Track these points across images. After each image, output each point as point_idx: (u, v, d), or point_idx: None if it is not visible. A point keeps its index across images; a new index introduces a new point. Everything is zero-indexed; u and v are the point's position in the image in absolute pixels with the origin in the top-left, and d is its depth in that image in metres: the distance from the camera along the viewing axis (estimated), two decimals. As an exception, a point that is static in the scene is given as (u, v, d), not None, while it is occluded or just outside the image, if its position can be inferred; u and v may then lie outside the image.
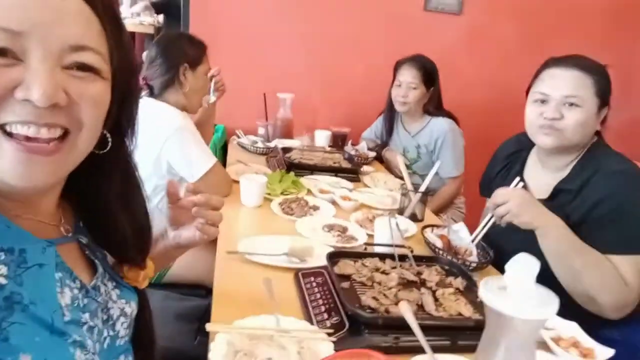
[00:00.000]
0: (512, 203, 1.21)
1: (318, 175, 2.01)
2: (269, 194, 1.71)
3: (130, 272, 0.72)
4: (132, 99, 0.67)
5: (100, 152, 0.63)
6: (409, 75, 2.24)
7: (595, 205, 1.22)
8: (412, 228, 1.55)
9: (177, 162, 1.62)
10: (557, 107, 1.27)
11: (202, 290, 1.61)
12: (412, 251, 1.25)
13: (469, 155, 2.52)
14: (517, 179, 1.31)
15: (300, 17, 2.69)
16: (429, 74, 2.25)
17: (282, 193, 1.74)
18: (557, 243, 1.19)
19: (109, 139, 0.64)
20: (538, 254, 1.26)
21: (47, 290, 0.56)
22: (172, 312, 1.34)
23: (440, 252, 1.33)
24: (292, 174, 1.85)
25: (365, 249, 1.26)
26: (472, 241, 1.37)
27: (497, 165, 1.60)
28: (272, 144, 2.41)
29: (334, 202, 1.71)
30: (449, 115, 2.33)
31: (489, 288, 0.59)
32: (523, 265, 0.58)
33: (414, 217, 1.66)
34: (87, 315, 0.61)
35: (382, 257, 1.21)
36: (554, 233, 1.19)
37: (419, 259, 1.23)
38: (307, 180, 1.92)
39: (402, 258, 1.21)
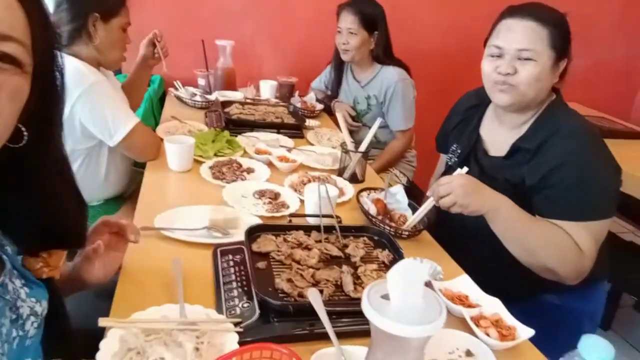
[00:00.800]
0: (456, 194, 1.12)
1: (258, 132, 1.90)
2: (200, 155, 1.60)
3: (52, 258, 0.71)
4: (55, 92, 0.64)
5: (14, 145, 0.59)
6: (347, 21, 2.10)
7: (552, 171, 1.17)
8: (349, 191, 1.49)
9: (91, 124, 1.47)
10: (510, 62, 1.20)
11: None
12: (340, 221, 1.19)
13: (421, 107, 2.44)
14: (465, 169, 1.23)
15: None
16: (369, 18, 2.10)
17: (215, 154, 1.63)
18: (507, 224, 1.15)
19: (25, 133, 0.60)
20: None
21: None
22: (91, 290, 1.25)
23: (373, 219, 1.27)
24: (226, 132, 1.73)
25: (290, 221, 1.18)
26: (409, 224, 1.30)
27: (454, 118, 1.54)
28: (212, 97, 2.25)
29: (270, 164, 1.61)
30: (399, 64, 2.22)
31: (371, 298, 0.52)
32: (409, 273, 0.51)
33: (354, 178, 1.59)
34: None
35: (308, 229, 1.14)
36: (503, 215, 1.14)
37: (347, 230, 1.17)
38: (245, 139, 1.81)
39: (330, 229, 1.15)
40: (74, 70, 1.46)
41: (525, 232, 1.15)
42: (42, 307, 0.68)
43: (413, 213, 1.35)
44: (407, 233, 1.24)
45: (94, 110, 1.44)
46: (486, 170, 1.34)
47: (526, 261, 1.17)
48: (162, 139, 1.60)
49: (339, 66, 2.32)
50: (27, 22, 0.55)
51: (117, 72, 2.43)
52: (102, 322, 0.81)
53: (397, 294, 0.50)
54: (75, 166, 1.57)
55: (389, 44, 2.20)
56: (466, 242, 1.29)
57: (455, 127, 1.51)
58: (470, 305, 0.98)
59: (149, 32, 2.32)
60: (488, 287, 1.05)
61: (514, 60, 1.19)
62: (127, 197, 1.78)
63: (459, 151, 1.45)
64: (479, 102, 1.44)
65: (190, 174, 1.51)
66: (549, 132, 1.22)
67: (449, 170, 1.48)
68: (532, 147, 1.24)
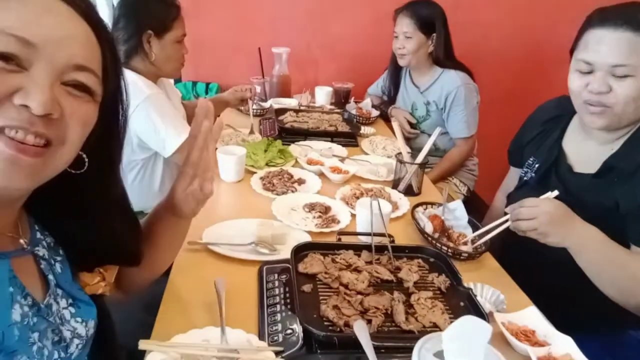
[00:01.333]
0: (540, 221, 1.01)
1: (312, 141, 1.85)
2: (252, 165, 1.58)
3: (87, 277, 0.72)
4: (117, 126, 0.68)
5: (75, 171, 0.64)
6: (403, 24, 2.00)
7: None
8: (404, 205, 1.40)
9: (146, 136, 1.49)
10: (604, 79, 1.05)
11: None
12: (392, 241, 1.12)
13: (484, 112, 2.29)
14: (555, 192, 1.10)
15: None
16: (425, 20, 1.99)
17: (267, 164, 1.60)
18: (597, 261, 1.02)
19: (86, 160, 0.64)
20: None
21: (1, 304, 0.56)
22: (139, 301, 1.26)
23: (429, 237, 1.18)
24: (278, 142, 1.70)
25: (339, 239, 1.12)
26: (472, 241, 1.20)
27: (531, 130, 1.39)
28: (267, 104, 2.24)
29: (322, 175, 1.56)
30: (461, 67, 2.09)
31: (423, 357, 0.45)
32: (468, 334, 0.43)
33: (409, 191, 1.51)
34: (36, 335, 0.60)
35: (358, 248, 1.08)
36: (592, 250, 1.02)
37: (400, 250, 1.09)
38: (298, 148, 1.77)
39: (382, 249, 1.08)
40: (131, 83, 1.47)
41: (619, 270, 1.00)
42: (87, 328, 0.69)
43: (473, 230, 1.25)
44: (466, 255, 1.14)
45: (149, 122, 1.46)
46: (571, 189, 1.19)
47: (620, 300, 1.02)
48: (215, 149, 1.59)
49: (396, 72, 2.23)
50: (101, 57, 0.62)
51: (177, 80, 2.49)
52: (142, 344, 0.79)
53: (454, 357, 0.43)
54: (131, 176, 1.60)
55: (450, 46, 2.08)
56: (537, 268, 1.17)
57: (533, 139, 1.36)
58: (537, 343, 0.87)
59: (206, 39, 2.37)
60: (561, 317, 0.94)
61: (607, 77, 1.04)
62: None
63: (536, 165, 1.30)
64: (561, 112, 1.29)
65: (241, 184, 1.49)
66: None
67: (524, 185, 1.35)
68: (630, 168, 1.08)
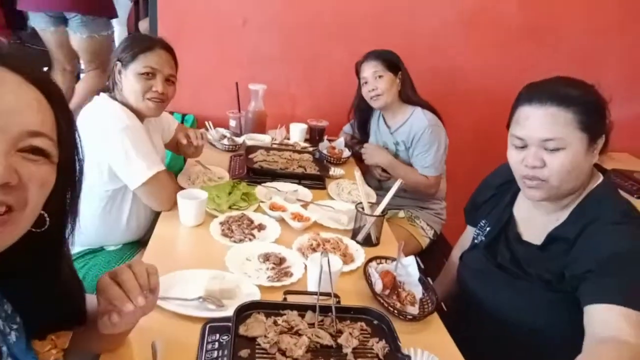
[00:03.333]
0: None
1: (279, 182, 1.87)
2: (214, 208, 1.59)
3: (60, 339, 0.75)
4: (75, 181, 0.70)
5: (36, 230, 0.65)
6: (370, 67, 2.07)
7: (601, 261, 1.02)
8: (360, 257, 1.42)
9: (118, 165, 1.51)
10: (537, 153, 1.08)
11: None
12: (338, 301, 1.12)
13: (454, 156, 2.34)
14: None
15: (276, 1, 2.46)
16: (389, 61, 2.07)
17: (230, 207, 1.61)
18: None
19: (47, 219, 0.66)
20: (520, 307, 1.15)
21: None
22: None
23: (378, 297, 1.20)
24: (243, 185, 1.71)
25: (285, 299, 1.13)
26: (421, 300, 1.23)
27: (486, 192, 1.43)
28: (240, 140, 2.26)
29: (283, 220, 1.57)
30: (429, 107, 2.13)
31: None
32: None
33: (368, 241, 1.52)
34: None
35: (303, 308, 1.09)
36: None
37: (345, 311, 1.10)
38: (264, 190, 1.79)
39: (328, 309, 1.09)
40: (112, 112, 1.54)
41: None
42: None
43: (424, 290, 1.27)
44: (411, 317, 1.15)
45: (121, 152, 1.47)
46: (518, 258, 1.22)
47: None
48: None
49: (364, 118, 2.31)
50: (55, 120, 0.63)
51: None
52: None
53: None
54: (99, 208, 1.60)
55: (411, 82, 2.15)
56: (481, 319, 1.21)
57: (487, 201, 1.40)
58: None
59: (184, 71, 2.39)
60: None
61: (540, 151, 1.08)
62: (143, 242, 1.80)
63: (487, 228, 1.34)
64: (511, 177, 1.30)
65: (200, 228, 1.50)
66: (589, 219, 1.09)
67: (474, 248, 1.38)
68: (571, 236, 1.11)
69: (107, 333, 0.82)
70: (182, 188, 1.64)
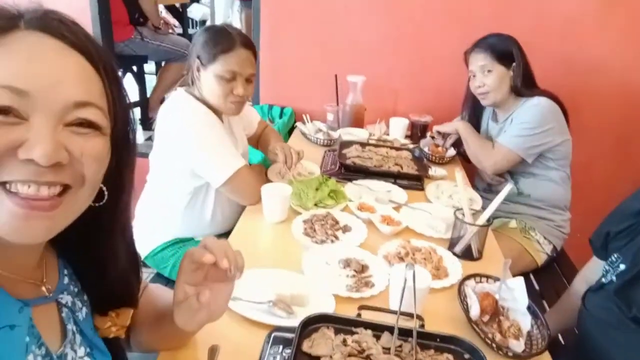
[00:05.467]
0: None
1: (372, 180, 1.73)
2: (298, 205, 1.50)
3: (119, 317, 0.72)
4: (130, 153, 0.67)
5: (96, 204, 0.62)
6: (478, 60, 1.82)
7: None
8: (456, 272, 1.22)
9: (198, 166, 1.48)
10: None
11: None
12: (422, 325, 0.95)
13: (584, 159, 2.00)
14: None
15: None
16: (502, 51, 1.79)
17: (315, 204, 1.51)
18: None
19: (106, 192, 0.63)
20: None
21: (16, 354, 0.55)
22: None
23: (473, 324, 1.00)
24: (332, 181, 1.60)
25: (359, 315, 0.98)
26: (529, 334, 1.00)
27: (621, 220, 1.14)
28: (336, 134, 2.15)
29: (370, 223, 1.43)
30: (547, 94, 1.82)
31: None
32: None
33: (467, 254, 1.32)
34: None
35: (380, 328, 0.93)
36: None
37: (430, 338, 0.93)
38: (356, 187, 1.66)
39: (409, 333, 0.92)
40: (191, 110, 1.50)
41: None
42: None
43: (534, 321, 1.04)
44: (512, 354, 0.94)
45: (201, 152, 1.45)
46: None
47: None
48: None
49: (475, 114, 2.04)
50: (103, 88, 0.59)
51: (254, 102, 2.51)
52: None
53: None
54: (183, 203, 1.60)
55: (531, 73, 1.84)
56: None
57: (622, 231, 1.11)
58: None
59: (284, 64, 2.35)
60: None
61: None
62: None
63: (621, 266, 1.06)
64: None
65: (282, 225, 1.42)
66: None
67: (601, 289, 1.10)
68: None
69: (183, 324, 0.75)
70: (269, 182, 1.57)
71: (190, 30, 4.17)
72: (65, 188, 0.55)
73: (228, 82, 1.47)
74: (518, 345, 0.97)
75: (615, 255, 1.07)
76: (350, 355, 0.86)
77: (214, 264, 0.71)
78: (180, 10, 3.78)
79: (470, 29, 2.08)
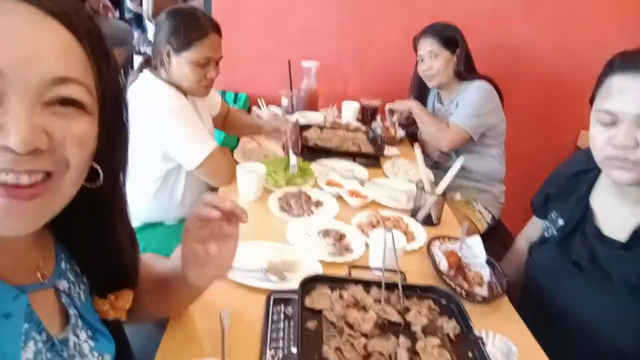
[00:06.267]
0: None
1: (333, 160, 1.84)
2: (272, 184, 1.58)
3: (119, 301, 0.71)
4: (123, 132, 0.63)
5: (91, 185, 0.59)
6: (426, 45, 1.99)
7: None
8: (421, 236, 1.37)
9: (171, 148, 1.51)
10: (629, 132, 0.95)
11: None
12: (404, 278, 1.09)
13: (514, 137, 2.24)
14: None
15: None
16: (447, 38, 1.98)
17: (287, 183, 1.60)
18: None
19: (101, 173, 0.60)
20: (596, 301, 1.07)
21: (11, 343, 0.52)
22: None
23: (443, 276, 1.15)
24: (299, 159, 1.69)
25: (349, 273, 1.10)
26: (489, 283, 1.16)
27: (558, 181, 1.31)
28: (293, 117, 2.24)
29: (340, 197, 1.54)
30: (485, 78, 2.03)
31: None
32: None
33: (428, 221, 1.47)
34: None
35: (368, 284, 1.05)
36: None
37: (411, 289, 1.06)
38: (319, 167, 1.76)
39: (393, 286, 1.05)
40: (159, 92, 1.51)
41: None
42: None
43: (492, 271, 1.21)
44: (480, 298, 1.10)
45: (174, 135, 1.47)
46: (598, 258, 1.10)
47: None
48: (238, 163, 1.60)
49: (421, 98, 2.22)
50: (88, 60, 0.53)
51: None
52: (142, 373, 0.80)
53: None
54: (154, 187, 1.62)
55: (471, 59, 2.05)
56: (555, 320, 1.12)
57: (559, 192, 1.28)
58: None
59: (237, 49, 2.37)
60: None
61: (633, 130, 0.95)
62: (201, 217, 1.82)
63: (560, 222, 1.22)
64: (590, 166, 1.16)
65: (258, 203, 1.49)
66: None
67: (545, 243, 1.28)
68: None
69: (195, 280, 0.78)
70: (237, 163, 1.63)
71: (128, 15, 4.01)
72: (48, 175, 0.51)
73: (202, 68, 1.51)
74: (482, 291, 1.13)
75: (554, 213, 1.27)
76: (347, 306, 0.97)
77: (219, 219, 0.74)
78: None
79: (413, 18, 2.25)
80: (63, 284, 0.64)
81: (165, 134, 1.48)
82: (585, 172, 1.21)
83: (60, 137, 0.50)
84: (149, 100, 1.49)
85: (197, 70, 1.51)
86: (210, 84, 1.58)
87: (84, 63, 0.52)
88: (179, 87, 1.55)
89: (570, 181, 1.25)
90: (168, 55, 1.51)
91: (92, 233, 0.66)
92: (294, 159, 1.60)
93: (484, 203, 2.12)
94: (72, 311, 0.63)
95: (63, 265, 0.65)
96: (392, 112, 2.18)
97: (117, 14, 3.66)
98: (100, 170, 0.59)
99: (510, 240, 1.73)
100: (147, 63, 1.63)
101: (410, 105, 2.10)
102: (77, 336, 0.63)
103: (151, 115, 1.48)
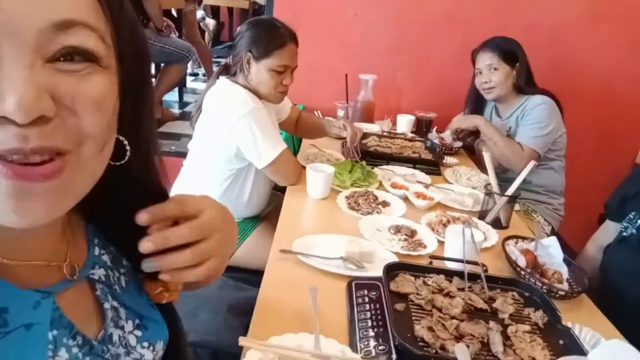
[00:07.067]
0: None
1: (394, 166, 1.87)
2: (338, 185, 1.61)
3: (149, 287, 0.59)
4: (148, 90, 0.52)
5: (116, 163, 0.49)
6: (486, 59, 2.01)
7: None
8: (492, 237, 1.37)
9: (245, 147, 1.57)
10: None
11: (261, 277, 1.57)
12: (486, 270, 1.09)
13: (574, 153, 2.21)
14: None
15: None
16: (507, 52, 1.98)
17: (352, 184, 1.63)
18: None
19: (127, 147, 0.49)
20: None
21: (36, 356, 0.44)
22: (225, 303, 1.31)
23: (522, 272, 1.14)
24: (363, 163, 1.73)
25: (431, 263, 1.11)
26: (568, 281, 1.15)
27: (637, 185, 1.35)
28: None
29: (406, 199, 1.56)
30: (547, 93, 2.03)
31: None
32: (615, 356, 0.41)
33: (497, 223, 1.47)
34: None
35: (450, 274, 1.06)
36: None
37: (493, 280, 1.06)
38: (381, 172, 1.79)
39: (474, 277, 1.06)
40: (237, 95, 1.60)
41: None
42: (155, 351, 0.57)
43: (569, 270, 1.19)
44: (562, 293, 1.08)
45: (250, 133, 1.54)
46: None
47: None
48: (303, 166, 1.65)
49: (479, 105, 2.22)
50: (96, 2, 0.41)
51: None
52: (242, 341, 0.82)
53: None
54: (223, 187, 1.69)
55: (531, 74, 2.04)
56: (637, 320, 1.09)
57: (637, 193, 1.31)
58: None
59: (298, 62, 2.46)
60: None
61: None
62: (263, 217, 1.86)
63: (639, 221, 1.25)
64: None
65: (327, 201, 1.53)
66: None
67: (623, 242, 1.28)
68: None
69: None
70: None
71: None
72: (58, 155, 0.40)
73: (280, 75, 1.60)
74: (563, 287, 1.12)
75: (633, 213, 1.26)
76: (433, 292, 0.98)
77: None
78: (176, 15, 3.84)
79: (469, 34, 2.28)
80: (98, 273, 0.54)
81: (241, 132, 1.54)
82: None
83: (69, 99, 0.39)
84: (228, 102, 1.58)
85: (275, 77, 1.59)
86: (286, 91, 1.66)
87: (93, 5, 0.41)
88: (255, 92, 1.63)
89: None
90: (248, 62, 1.60)
91: (123, 214, 0.53)
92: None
93: (543, 214, 2.08)
94: (107, 305, 0.53)
95: (96, 251, 0.55)
96: (458, 132, 2.15)
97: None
98: (126, 144, 0.49)
99: (569, 252, 1.69)
100: (225, 70, 1.72)
101: (477, 122, 2.06)
102: (122, 328, 0.54)
103: (229, 116, 1.55)
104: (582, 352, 0.83)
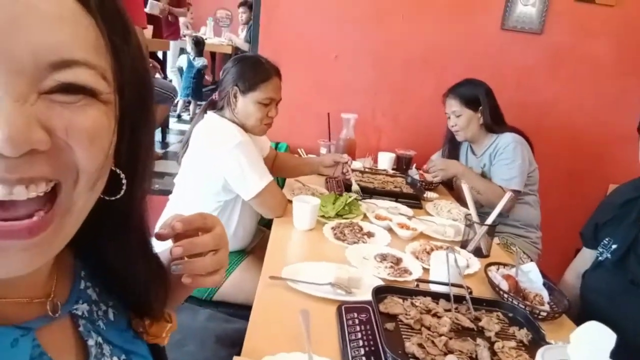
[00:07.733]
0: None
1: (377, 200, 1.92)
2: (322, 216, 1.65)
3: (153, 328, 0.59)
4: (148, 125, 0.49)
5: (109, 198, 0.46)
6: (450, 106, 2.15)
7: None
8: (474, 264, 1.41)
9: (233, 179, 1.61)
10: None
11: (249, 311, 1.57)
12: (470, 292, 1.12)
13: (546, 189, 2.31)
14: None
15: (369, 35, 2.61)
16: (469, 98, 2.12)
17: (337, 215, 1.67)
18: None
19: (123, 180, 0.47)
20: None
21: None
22: (213, 334, 1.30)
23: (505, 295, 1.18)
24: (347, 195, 1.77)
25: (417, 285, 1.14)
26: (549, 303, 1.20)
27: (607, 213, 1.41)
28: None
29: (390, 230, 1.60)
30: (516, 131, 2.15)
31: (549, 362, 0.47)
32: (594, 338, 0.45)
33: (478, 252, 1.51)
34: None
35: (436, 296, 1.09)
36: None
37: (478, 302, 1.10)
38: (365, 204, 1.84)
39: (459, 300, 1.09)
40: (225, 128, 1.64)
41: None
42: None
43: (550, 294, 1.24)
44: (544, 313, 1.12)
45: (236, 165, 1.57)
46: None
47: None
48: (289, 200, 1.69)
49: (454, 148, 2.35)
50: (98, 34, 0.40)
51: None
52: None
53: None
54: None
55: (500, 113, 2.16)
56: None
57: (609, 221, 1.38)
58: None
59: (281, 102, 2.54)
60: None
61: None
62: (249, 251, 1.87)
63: (613, 246, 1.31)
64: (638, 194, 1.31)
65: (313, 232, 1.56)
66: None
67: (599, 266, 1.34)
68: None
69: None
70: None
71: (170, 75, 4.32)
72: (50, 185, 0.38)
73: (265, 107, 1.66)
74: (545, 309, 1.15)
75: (607, 239, 1.32)
76: (421, 312, 1.01)
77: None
78: (162, 57, 3.95)
79: (442, 75, 2.43)
80: (82, 308, 0.51)
81: (229, 164, 1.58)
82: (635, 199, 1.30)
83: (63, 131, 0.37)
84: (216, 135, 1.62)
85: (261, 109, 1.66)
86: (271, 123, 1.72)
87: (94, 35, 0.39)
88: (242, 126, 1.68)
89: (621, 209, 1.33)
90: (235, 96, 1.66)
91: (107, 251, 0.53)
92: (355, 185, 1.81)
93: (522, 248, 2.14)
94: (91, 341, 0.51)
95: (82, 285, 0.53)
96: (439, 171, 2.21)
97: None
98: (123, 177, 0.47)
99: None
100: (212, 105, 1.78)
101: (457, 171, 2.14)
102: None
103: (217, 148, 1.59)
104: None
